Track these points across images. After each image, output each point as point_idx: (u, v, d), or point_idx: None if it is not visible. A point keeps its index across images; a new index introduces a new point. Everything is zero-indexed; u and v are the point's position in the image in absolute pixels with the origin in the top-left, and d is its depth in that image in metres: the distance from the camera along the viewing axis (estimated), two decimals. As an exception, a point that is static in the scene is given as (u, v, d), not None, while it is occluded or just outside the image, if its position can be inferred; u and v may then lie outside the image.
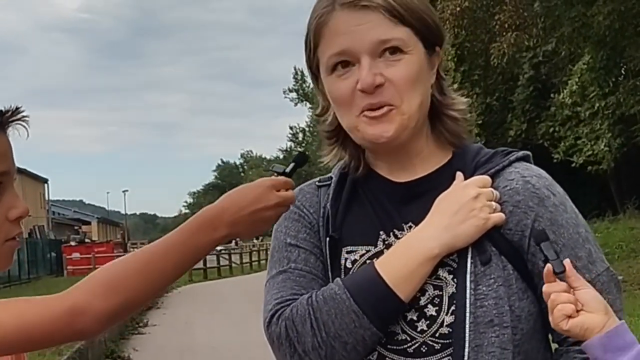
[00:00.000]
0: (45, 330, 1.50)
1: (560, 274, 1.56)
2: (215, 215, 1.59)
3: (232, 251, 53.32)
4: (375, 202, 1.78)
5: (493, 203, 1.68)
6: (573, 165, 26.30)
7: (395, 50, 1.68)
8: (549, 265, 1.57)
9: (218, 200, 1.63)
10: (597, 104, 23.77)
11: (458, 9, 22.17)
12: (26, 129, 1.69)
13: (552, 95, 26.68)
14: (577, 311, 1.55)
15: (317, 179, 1.86)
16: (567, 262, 1.58)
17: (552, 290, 1.56)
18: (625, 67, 23.36)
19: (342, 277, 1.71)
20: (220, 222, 1.58)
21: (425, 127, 1.78)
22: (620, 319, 1.66)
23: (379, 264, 1.67)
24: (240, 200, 1.60)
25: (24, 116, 1.68)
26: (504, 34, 21.73)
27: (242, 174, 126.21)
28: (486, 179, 1.71)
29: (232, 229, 1.59)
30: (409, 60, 1.69)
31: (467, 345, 1.62)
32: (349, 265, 1.75)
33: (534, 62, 27.61)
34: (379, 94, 1.68)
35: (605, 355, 1.53)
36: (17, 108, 1.67)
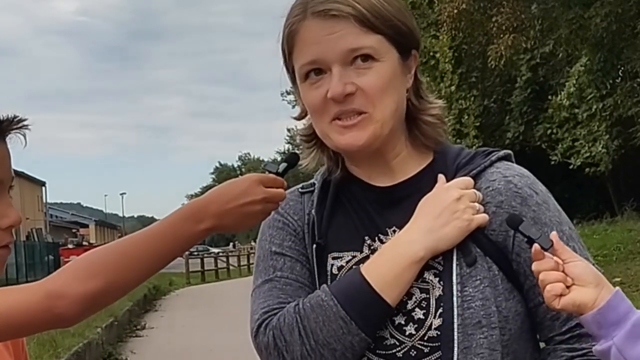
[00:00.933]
0: (24, 316, 1.49)
1: (548, 250, 1.54)
2: (201, 207, 1.58)
3: (230, 254, 53.34)
4: (358, 207, 1.78)
5: (476, 204, 1.68)
6: (571, 167, 26.34)
7: (366, 58, 1.68)
8: (536, 245, 1.54)
9: (206, 193, 1.63)
10: (595, 106, 23.80)
11: (455, 11, 22.19)
12: (25, 137, 1.69)
13: (549, 97, 26.69)
14: (568, 287, 1.52)
15: (300, 185, 1.86)
16: (553, 234, 1.56)
17: (541, 268, 1.54)
18: (622, 69, 23.38)
19: (329, 283, 1.70)
20: (205, 214, 1.57)
21: (402, 131, 1.77)
22: None
23: (365, 269, 1.66)
24: (226, 193, 1.60)
25: (24, 125, 1.68)
26: (502, 36, 21.73)
27: (240, 176, 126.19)
28: (468, 180, 1.71)
29: (218, 221, 1.58)
30: (380, 68, 1.68)
31: (455, 347, 1.62)
32: (335, 271, 1.74)
33: (532, 64, 27.62)
34: (350, 102, 1.68)
35: (600, 331, 1.51)
36: (16, 117, 1.67)
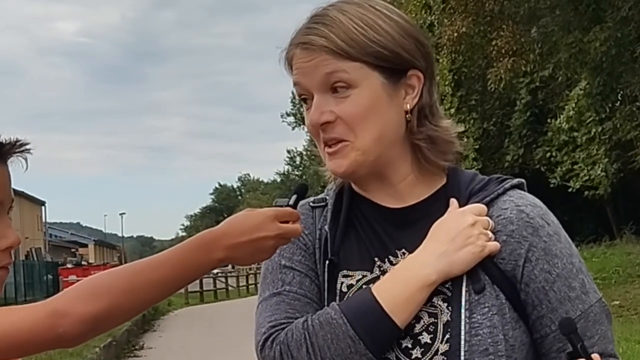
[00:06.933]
0: (26, 334, 1.48)
1: None
2: (214, 238, 1.58)
3: (229, 274, 53.18)
4: (367, 226, 1.78)
5: (488, 232, 1.67)
6: (570, 190, 26.40)
7: (343, 85, 1.67)
8: (595, 355, 1.58)
9: (220, 224, 1.63)
10: (594, 130, 23.89)
11: (455, 34, 22.30)
12: (26, 161, 1.70)
13: (549, 120, 26.79)
14: None
15: (311, 199, 1.85)
16: (595, 356, 1.58)
17: None
18: (621, 93, 23.45)
19: (337, 301, 1.70)
20: (218, 245, 1.57)
21: (406, 154, 1.75)
22: (612, 350, 1.67)
23: (375, 289, 1.66)
24: (241, 226, 1.59)
25: (26, 149, 1.68)
26: (501, 59, 21.83)
27: (240, 197, 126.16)
28: (482, 207, 1.70)
29: (230, 254, 1.58)
30: (358, 95, 1.67)
31: None
32: (344, 289, 1.73)
33: (531, 88, 27.73)
34: (331, 130, 1.69)
35: None
36: (19, 141, 1.67)
